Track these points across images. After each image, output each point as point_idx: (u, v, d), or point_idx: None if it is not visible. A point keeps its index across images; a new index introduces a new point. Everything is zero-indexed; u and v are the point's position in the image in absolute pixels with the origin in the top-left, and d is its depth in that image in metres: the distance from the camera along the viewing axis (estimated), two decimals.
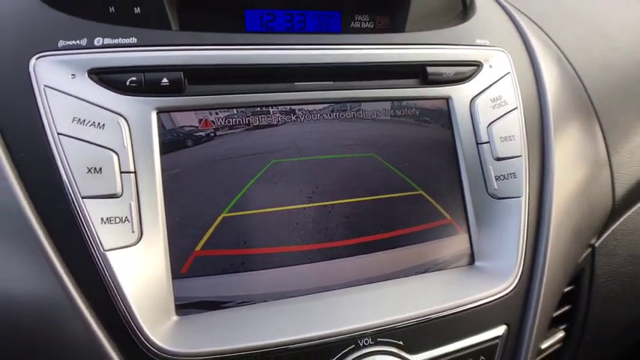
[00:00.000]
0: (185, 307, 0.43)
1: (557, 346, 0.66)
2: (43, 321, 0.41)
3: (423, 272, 0.50)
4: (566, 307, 0.66)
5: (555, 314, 0.64)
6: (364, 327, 0.44)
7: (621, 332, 0.72)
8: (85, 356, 0.40)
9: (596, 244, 0.67)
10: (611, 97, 0.71)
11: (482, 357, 0.48)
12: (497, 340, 0.49)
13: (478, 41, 0.57)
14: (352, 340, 0.44)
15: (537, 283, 0.51)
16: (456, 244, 0.52)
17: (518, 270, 0.51)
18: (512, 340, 0.50)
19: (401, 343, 0.45)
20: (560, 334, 0.64)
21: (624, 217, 0.71)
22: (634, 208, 0.72)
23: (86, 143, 0.42)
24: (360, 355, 0.43)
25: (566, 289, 0.65)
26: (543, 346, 0.62)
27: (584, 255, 0.66)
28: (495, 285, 0.50)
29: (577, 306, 0.66)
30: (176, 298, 0.43)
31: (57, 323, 0.40)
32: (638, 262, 0.72)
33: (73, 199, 0.40)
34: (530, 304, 0.51)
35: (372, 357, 0.44)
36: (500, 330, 0.49)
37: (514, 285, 0.50)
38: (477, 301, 0.48)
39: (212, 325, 0.43)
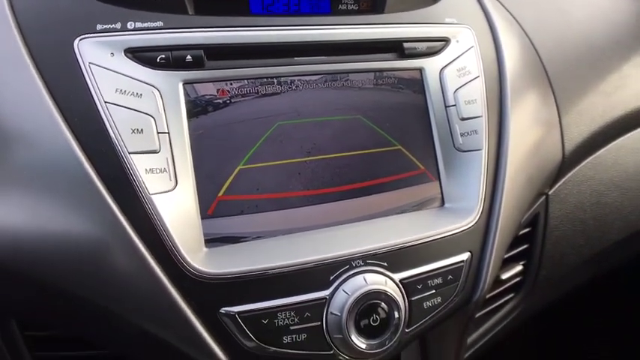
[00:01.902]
0: (212, 241, 0.54)
1: (517, 279, 0.78)
2: (101, 255, 0.50)
3: (402, 212, 0.61)
4: (525, 246, 0.78)
5: (514, 252, 0.76)
6: (356, 252, 0.55)
7: (573, 270, 0.84)
8: (138, 281, 0.50)
9: (550, 193, 0.79)
10: (563, 67, 0.82)
11: (450, 276, 0.59)
12: (462, 264, 0.60)
13: (447, 20, 0.67)
14: (347, 262, 0.55)
15: (495, 219, 0.63)
16: (428, 190, 0.63)
17: (479, 209, 0.62)
18: (475, 265, 0.61)
19: (385, 264, 0.56)
20: (519, 268, 0.76)
21: (574, 170, 0.82)
22: (583, 163, 0.84)
23: (128, 109, 0.51)
24: (353, 273, 0.55)
25: (524, 231, 0.77)
26: (504, 276, 0.74)
27: (540, 202, 0.78)
28: (461, 221, 0.61)
29: (533, 245, 0.78)
30: (205, 234, 0.53)
31: (114, 255, 0.50)
32: (587, 209, 0.84)
33: (122, 154, 0.50)
34: (489, 236, 0.62)
35: (362, 275, 0.55)
36: (464, 256, 0.61)
37: (476, 220, 0.61)
38: (446, 232, 0.59)
39: (234, 254, 0.54)
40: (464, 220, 0.61)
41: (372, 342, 0.54)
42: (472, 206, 0.62)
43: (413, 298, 0.57)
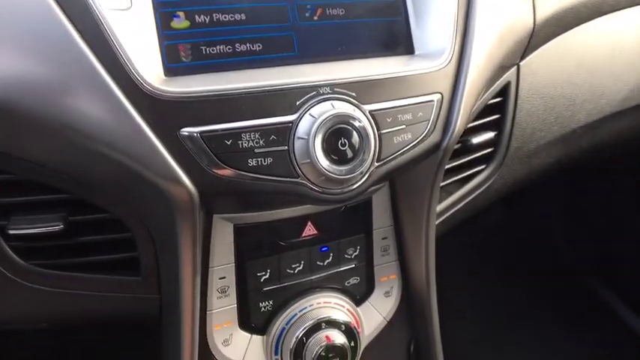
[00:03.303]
0: (173, 70, 0.52)
1: (489, 149, 0.78)
2: (59, 78, 0.49)
3: (372, 57, 0.60)
4: (496, 116, 0.77)
5: (486, 120, 0.76)
6: (323, 79, 0.54)
7: (543, 147, 0.85)
8: (97, 102, 0.49)
9: (521, 63, 0.78)
10: None
11: (420, 113, 0.58)
12: (432, 102, 0.59)
13: None
14: (314, 88, 0.54)
15: (465, 64, 0.62)
16: (398, 36, 0.62)
17: (450, 52, 0.61)
18: (446, 107, 0.61)
19: (354, 94, 0.55)
20: (491, 135, 0.76)
21: (546, 45, 0.82)
22: (554, 40, 0.83)
23: None
24: (321, 99, 0.54)
25: (496, 100, 0.77)
26: (475, 140, 0.73)
27: (511, 71, 0.77)
28: (431, 62, 0.61)
29: (504, 115, 0.78)
30: (165, 63, 0.52)
31: (71, 77, 0.49)
32: (558, 87, 0.84)
33: None
34: (460, 79, 0.62)
35: (330, 101, 0.54)
36: (435, 96, 0.60)
37: (446, 63, 0.61)
38: (416, 71, 0.59)
39: (196, 79, 0.52)
40: (434, 61, 0.61)
41: (341, 168, 0.53)
42: (443, 49, 0.62)
43: (383, 131, 0.56)
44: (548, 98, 0.83)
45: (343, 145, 0.53)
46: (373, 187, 0.65)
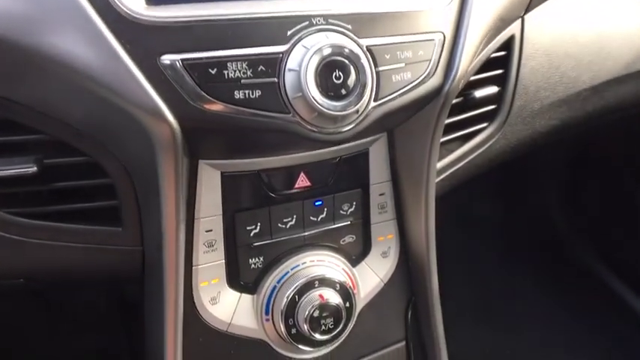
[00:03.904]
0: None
1: (492, 106, 0.75)
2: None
3: None
4: (500, 71, 0.74)
5: (489, 74, 0.72)
6: (318, 9, 0.50)
7: (547, 107, 0.81)
8: (72, 24, 0.46)
9: (525, 16, 0.75)
10: None
11: (420, 51, 0.55)
12: (433, 41, 0.56)
13: None
14: (306, 18, 0.50)
15: (468, 7, 0.59)
16: None
17: None
18: (448, 48, 0.57)
19: (350, 27, 0.51)
20: (494, 89, 0.72)
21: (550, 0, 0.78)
22: None
23: None
24: (314, 30, 0.50)
25: (500, 54, 0.73)
26: (478, 94, 0.70)
27: (515, 24, 0.74)
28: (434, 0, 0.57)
29: (508, 70, 0.74)
30: None
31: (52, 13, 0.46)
32: (563, 45, 0.81)
33: None
34: (463, 20, 0.58)
35: (324, 32, 0.50)
36: (436, 35, 0.57)
37: (449, 1, 0.57)
38: (417, 6, 0.56)
39: (180, 8, 0.48)
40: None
41: (336, 103, 0.49)
42: None
43: (381, 68, 0.53)
44: (553, 56, 0.80)
45: (338, 78, 0.49)
46: (370, 138, 0.62)
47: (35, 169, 0.51)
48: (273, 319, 0.62)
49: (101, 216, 0.56)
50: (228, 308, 0.61)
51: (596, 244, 1.46)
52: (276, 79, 0.49)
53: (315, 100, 0.49)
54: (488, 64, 0.71)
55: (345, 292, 0.63)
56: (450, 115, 0.68)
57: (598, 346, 1.31)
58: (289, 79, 0.49)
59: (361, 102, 0.51)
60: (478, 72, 0.70)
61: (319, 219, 0.63)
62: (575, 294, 1.42)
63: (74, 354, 1.08)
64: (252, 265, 0.61)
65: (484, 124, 0.75)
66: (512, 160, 0.93)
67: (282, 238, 0.61)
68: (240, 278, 0.61)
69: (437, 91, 0.58)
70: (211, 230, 0.58)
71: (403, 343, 0.72)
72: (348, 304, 0.63)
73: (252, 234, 0.60)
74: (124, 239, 0.56)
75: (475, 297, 1.41)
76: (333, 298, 0.61)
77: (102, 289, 1.09)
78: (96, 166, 0.53)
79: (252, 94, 0.48)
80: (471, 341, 1.24)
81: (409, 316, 0.72)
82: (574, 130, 0.91)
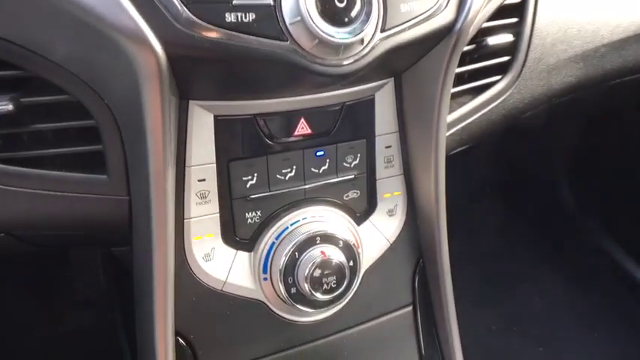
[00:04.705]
0: None
1: (507, 58, 0.70)
2: None
3: None
4: (515, 19, 0.69)
5: (503, 21, 0.67)
6: None
7: (563, 63, 0.76)
8: None
9: None
10: None
11: None
12: None
13: None
14: None
15: None
16: None
17: None
18: None
19: None
20: (509, 37, 0.67)
21: None
22: None
23: None
24: None
25: (515, 1, 0.69)
26: (492, 41, 0.65)
27: None
28: None
29: (524, 18, 0.69)
30: None
31: None
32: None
33: None
34: None
35: None
36: None
37: None
38: None
39: None
40: None
41: (339, 29, 0.45)
42: None
43: None
44: (571, 7, 0.75)
45: (341, 1, 0.44)
46: (376, 83, 0.57)
47: (11, 107, 0.47)
48: (271, 277, 0.58)
49: (86, 163, 0.51)
50: (224, 266, 0.57)
51: (605, 220, 1.43)
52: (271, 1, 0.44)
53: (316, 25, 0.44)
54: (503, 11, 0.67)
55: (349, 250, 0.58)
56: (462, 64, 0.64)
57: (604, 320, 1.28)
58: (287, 0, 0.44)
59: (366, 30, 0.46)
60: (492, 18, 0.65)
61: (321, 171, 0.58)
62: (584, 270, 1.39)
63: (67, 331, 1.05)
64: (249, 220, 0.57)
65: (497, 77, 0.70)
66: (522, 132, 0.88)
67: (281, 191, 0.57)
68: (236, 234, 0.57)
69: (448, 28, 0.53)
70: (204, 180, 0.53)
71: (410, 308, 0.68)
72: (352, 263, 0.58)
73: (248, 185, 0.55)
74: (109, 188, 0.52)
75: (474, 272, 1.37)
76: (336, 255, 0.57)
77: (98, 263, 1.06)
78: (78, 107, 0.49)
79: (245, 17, 0.43)
80: (476, 317, 1.21)
81: (417, 279, 0.67)
82: (589, 93, 0.86)
